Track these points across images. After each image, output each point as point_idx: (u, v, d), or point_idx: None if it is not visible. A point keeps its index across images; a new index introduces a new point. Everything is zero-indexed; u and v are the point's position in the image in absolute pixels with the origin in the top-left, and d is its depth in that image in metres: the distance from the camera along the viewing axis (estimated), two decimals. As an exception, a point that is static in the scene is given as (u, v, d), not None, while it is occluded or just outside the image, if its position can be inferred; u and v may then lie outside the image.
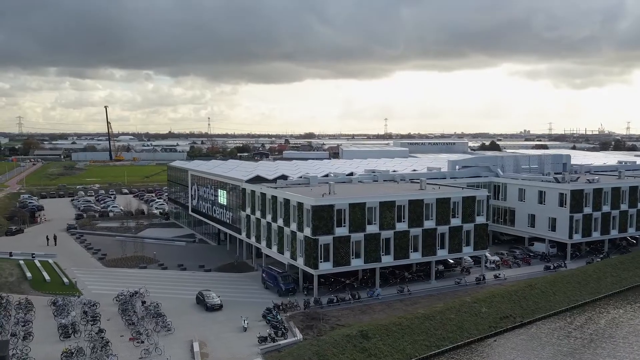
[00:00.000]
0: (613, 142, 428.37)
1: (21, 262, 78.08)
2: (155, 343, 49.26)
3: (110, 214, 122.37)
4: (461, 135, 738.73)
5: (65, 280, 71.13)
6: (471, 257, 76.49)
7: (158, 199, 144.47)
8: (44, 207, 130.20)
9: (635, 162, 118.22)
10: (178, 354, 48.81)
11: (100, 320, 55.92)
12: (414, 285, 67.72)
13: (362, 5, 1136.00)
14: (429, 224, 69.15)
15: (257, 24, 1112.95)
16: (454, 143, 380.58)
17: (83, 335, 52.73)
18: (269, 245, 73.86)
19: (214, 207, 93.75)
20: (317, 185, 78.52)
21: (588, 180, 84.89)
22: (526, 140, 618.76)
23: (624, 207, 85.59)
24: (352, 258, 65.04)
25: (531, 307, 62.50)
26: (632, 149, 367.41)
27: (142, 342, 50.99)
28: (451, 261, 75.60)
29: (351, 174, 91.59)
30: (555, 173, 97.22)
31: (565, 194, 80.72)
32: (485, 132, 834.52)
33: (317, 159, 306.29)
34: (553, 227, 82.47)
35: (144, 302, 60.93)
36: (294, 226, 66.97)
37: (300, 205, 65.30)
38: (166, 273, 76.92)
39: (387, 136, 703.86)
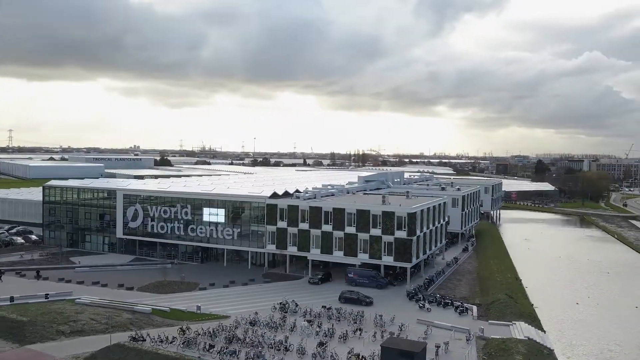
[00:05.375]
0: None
1: (80, 301, 67.21)
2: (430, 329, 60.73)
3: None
4: (68, 149, 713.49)
5: (182, 308, 67.49)
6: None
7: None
8: None
9: (432, 173, 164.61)
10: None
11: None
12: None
13: None
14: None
15: None
16: (141, 159, 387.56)
17: (330, 347, 54.33)
18: (326, 252, 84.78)
19: (193, 226, 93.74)
20: (344, 196, 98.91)
21: (458, 188, 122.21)
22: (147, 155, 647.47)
23: (472, 206, 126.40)
24: (422, 252, 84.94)
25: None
26: (312, 164, 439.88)
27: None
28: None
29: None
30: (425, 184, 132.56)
31: (458, 199, 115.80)
32: (97, 147, 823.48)
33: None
34: (447, 222, 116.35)
35: (325, 306, 67.01)
36: (375, 232, 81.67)
37: (387, 214, 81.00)
38: (239, 289, 78.17)
39: None
